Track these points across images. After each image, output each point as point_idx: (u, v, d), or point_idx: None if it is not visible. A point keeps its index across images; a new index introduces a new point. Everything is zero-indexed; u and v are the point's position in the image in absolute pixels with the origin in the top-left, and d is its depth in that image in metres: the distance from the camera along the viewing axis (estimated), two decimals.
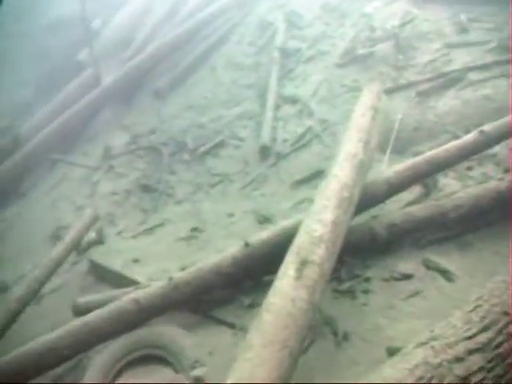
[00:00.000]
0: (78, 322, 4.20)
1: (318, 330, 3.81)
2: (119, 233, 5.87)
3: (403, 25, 6.66)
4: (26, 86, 9.66)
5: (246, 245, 4.21)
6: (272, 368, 2.75)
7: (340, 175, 3.94)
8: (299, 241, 3.49)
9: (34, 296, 4.81)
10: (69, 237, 5.40)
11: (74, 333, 4.10)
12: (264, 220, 5.27)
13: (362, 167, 4.09)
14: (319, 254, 3.37)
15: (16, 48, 10.09)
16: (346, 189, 3.84)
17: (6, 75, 9.68)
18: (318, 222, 3.56)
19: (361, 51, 6.77)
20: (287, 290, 3.15)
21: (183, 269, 4.54)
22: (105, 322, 4.08)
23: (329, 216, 3.61)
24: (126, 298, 4.19)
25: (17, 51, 10.13)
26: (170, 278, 4.18)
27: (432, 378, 2.30)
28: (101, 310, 4.18)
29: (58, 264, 5.13)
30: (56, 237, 6.14)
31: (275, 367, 2.77)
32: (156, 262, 5.06)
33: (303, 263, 3.29)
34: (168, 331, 4.12)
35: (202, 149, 6.78)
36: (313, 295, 3.19)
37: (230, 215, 5.57)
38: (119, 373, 4.09)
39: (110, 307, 4.17)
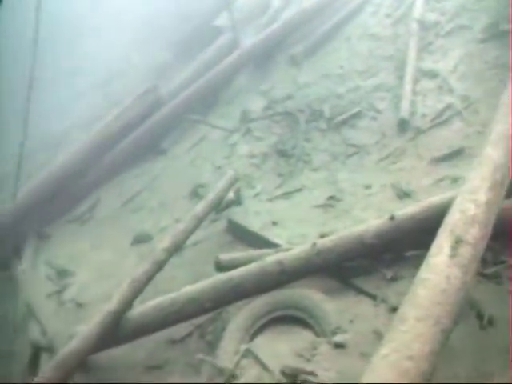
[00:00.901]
0: (222, 277, 4.42)
1: (462, 312, 3.72)
2: (256, 195, 6.00)
3: None
4: (167, 49, 10.08)
5: (391, 218, 4.17)
6: (425, 342, 2.73)
7: (493, 156, 3.78)
8: (452, 219, 3.39)
9: (178, 248, 5.06)
10: (211, 195, 5.62)
11: (217, 287, 4.33)
12: (404, 195, 5.16)
13: None
14: (473, 233, 3.27)
15: (160, 11, 10.54)
16: (498, 171, 3.68)
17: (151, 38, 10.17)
18: (472, 202, 3.45)
19: (505, 26, 6.34)
20: (442, 267, 3.09)
21: (322, 236, 4.57)
22: (248, 280, 4.27)
23: (482, 197, 3.48)
24: (269, 259, 4.32)
25: (161, 14, 10.58)
26: (314, 244, 4.24)
27: None
28: (244, 268, 4.37)
29: (200, 220, 5.35)
30: (195, 194, 6.41)
31: (429, 341, 2.75)
32: (294, 226, 5.14)
33: (457, 241, 3.21)
34: (310, 295, 4.18)
35: (339, 118, 6.73)
36: (466, 275, 3.11)
37: (368, 187, 5.51)
38: (259, 331, 4.22)
39: (253, 266, 4.34)
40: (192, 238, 5.40)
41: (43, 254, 6.61)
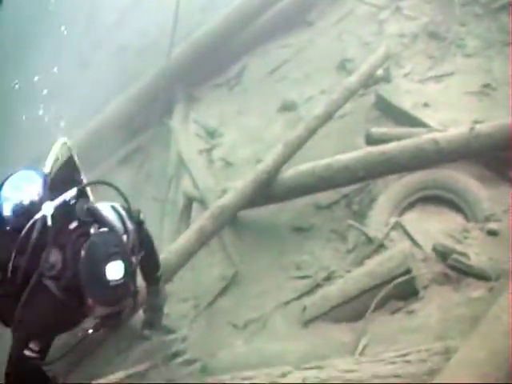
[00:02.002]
0: (375, 149, 4.55)
1: None
2: (406, 75, 5.91)
3: None
4: None
5: None
6: None
7: None
8: None
9: (329, 117, 5.21)
10: (363, 68, 5.66)
11: (371, 158, 4.49)
12: None
13: None
14: None
15: None
16: None
17: None
18: None
19: None
20: None
21: (475, 123, 4.48)
22: (401, 155, 4.38)
23: None
24: (425, 137, 4.39)
25: None
26: (472, 128, 4.23)
27: None
28: (398, 143, 4.46)
29: (351, 92, 5.42)
30: (342, 67, 6.44)
31: None
32: (445, 110, 5.08)
33: None
34: (464, 179, 4.22)
35: (496, 5, 6.35)
36: None
37: None
38: (409, 207, 4.36)
39: (408, 142, 4.44)
40: (339, 111, 5.48)
41: (193, 114, 6.98)
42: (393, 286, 3.46)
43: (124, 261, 2.47)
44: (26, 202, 2.70)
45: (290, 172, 4.83)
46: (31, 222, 2.58)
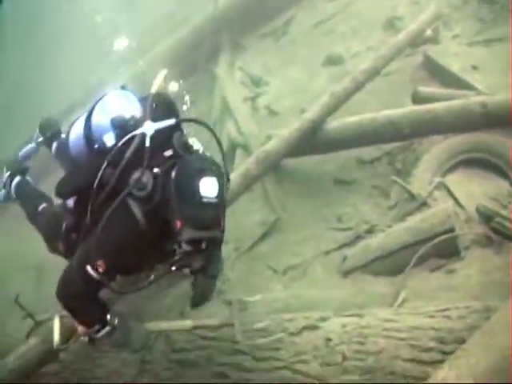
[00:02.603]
0: (422, 107, 4.60)
1: None
2: (454, 37, 5.91)
3: None
4: None
5: None
6: None
7: None
8: None
9: (376, 73, 5.27)
10: (412, 27, 5.69)
11: (417, 116, 4.55)
12: None
13: None
14: None
15: None
16: None
17: None
18: None
19: None
20: None
21: None
22: (447, 115, 4.44)
23: None
24: (473, 99, 4.45)
25: None
26: None
27: None
28: (445, 103, 4.53)
29: (399, 49, 5.49)
30: (390, 25, 6.42)
31: None
32: (494, 74, 5.06)
33: None
34: (509, 143, 4.24)
35: None
36: None
37: None
38: (453, 168, 4.40)
39: (455, 103, 4.50)
40: (385, 69, 5.52)
41: (238, 62, 7.04)
42: (434, 243, 3.52)
43: (218, 180, 2.36)
44: (127, 116, 2.64)
45: (334, 123, 4.90)
46: (129, 135, 2.49)
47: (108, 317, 2.65)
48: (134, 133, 2.50)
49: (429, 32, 5.96)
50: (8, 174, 3.55)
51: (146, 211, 2.44)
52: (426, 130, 4.60)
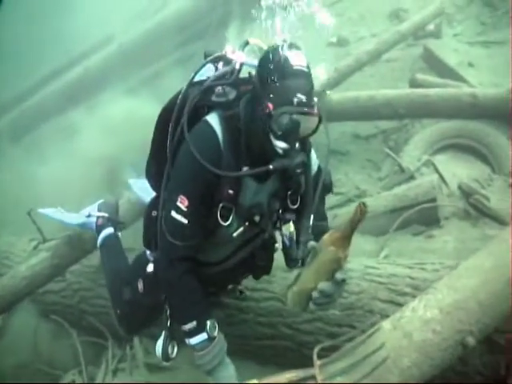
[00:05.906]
0: (418, 91, 4.86)
1: None
2: (456, 35, 6.24)
3: None
4: None
5: None
6: None
7: None
8: None
9: (378, 56, 5.61)
10: (416, 17, 6.03)
11: (413, 98, 4.77)
12: None
13: None
14: None
15: None
16: None
17: None
18: None
19: None
20: None
21: None
22: (441, 101, 4.67)
23: None
24: (465, 89, 4.74)
25: None
26: (510, 90, 4.57)
27: None
28: (439, 90, 4.80)
29: (402, 36, 5.82)
30: (395, 15, 6.73)
31: None
32: (488, 74, 5.39)
33: None
34: (495, 134, 4.57)
35: None
36: None
37: None
38: (441, 150, 4.71)
39: (449, 90, 4.78)
40: (386, 55, 5.85)
41: (247, 33, 7.23)
42: (417, 210, 3.82)
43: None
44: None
45: (335, 96, 5.03)
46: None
47: (208, 323, 2.16)
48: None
49: (431, 27, 6.27)
50: (106, 216, 3.09)
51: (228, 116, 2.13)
52: (419, 113, 4.86)
